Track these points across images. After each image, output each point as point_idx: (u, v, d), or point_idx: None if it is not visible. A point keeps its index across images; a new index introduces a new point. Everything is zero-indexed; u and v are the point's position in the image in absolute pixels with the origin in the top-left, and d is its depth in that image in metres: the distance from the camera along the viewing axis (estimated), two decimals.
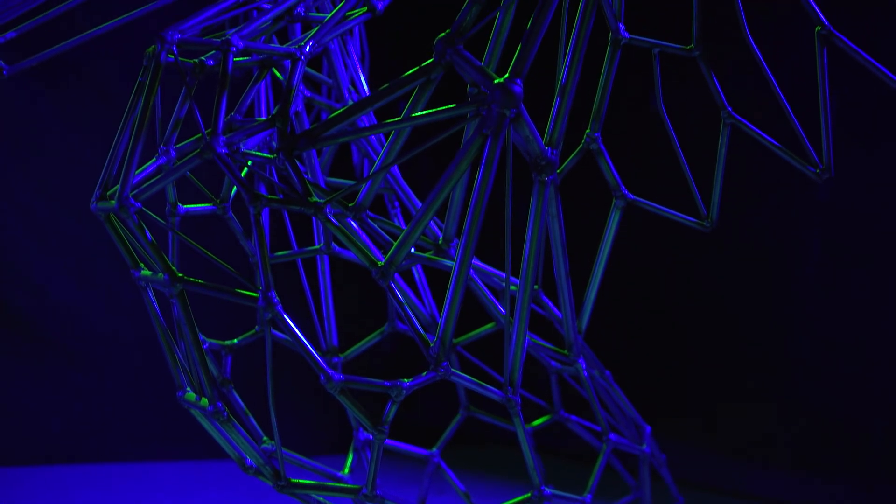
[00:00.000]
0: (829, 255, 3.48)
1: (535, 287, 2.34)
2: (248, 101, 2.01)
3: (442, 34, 1.75)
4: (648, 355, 3.91)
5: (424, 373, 1.82)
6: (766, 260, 3.59)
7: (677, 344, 3.87)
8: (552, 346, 2.40)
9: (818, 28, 1.96)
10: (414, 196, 2.37)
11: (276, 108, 2.00)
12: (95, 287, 3.98)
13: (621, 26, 2.06)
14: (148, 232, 1.79)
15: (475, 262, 2.28)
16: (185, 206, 2.18)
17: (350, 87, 2.50)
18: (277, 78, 2.34)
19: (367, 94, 2.51)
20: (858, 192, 3.40)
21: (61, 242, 3.91)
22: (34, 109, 3.85)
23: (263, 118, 1.99)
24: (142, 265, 1.90)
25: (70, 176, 3.89)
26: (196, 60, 1.91)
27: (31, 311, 3.87)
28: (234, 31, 1.90)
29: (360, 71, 2.52)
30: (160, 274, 1.81)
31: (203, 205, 2.24)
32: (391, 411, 1.83)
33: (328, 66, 2.50)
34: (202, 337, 2.21)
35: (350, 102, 2.43)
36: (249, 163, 1.99)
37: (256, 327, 2.46)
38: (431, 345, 1.81)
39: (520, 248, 1.88)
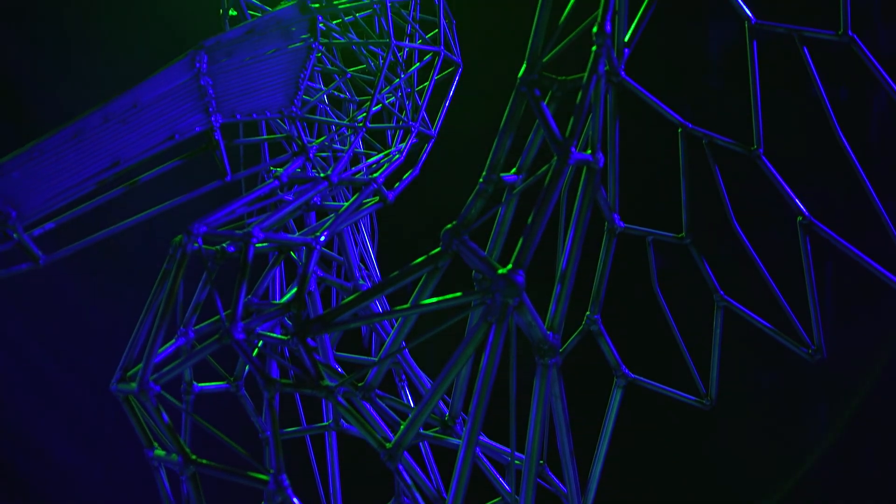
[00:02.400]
0: (835, 424, 3.49)
1: (541, 462, 2.37)
2: (265, 285, 2.12)
3: (449, 225, 1.86)
4: None
5: None
6: (770, 432, 3.60)
7: None
8: None
9: (800, 218, 2.09)
10: (420, 371, 2.43)
11: (291, 290, 2.11)
12: (97, 453, 3.97)
13: (616, 216, 2.20)
14: (165, 414, 1.85)
15: (481, 437, 2.32)
16: (199, 385, 2.24)
17: (360, 264, 2.62)
18: (291, 257, 2.46)
19: (376, 271, 2.63)
20: (857, 360, 3.46)
21: (67, 407, 3.94)
22: (53, 276, 3.98)
23: (278, 301, 2.09)
24: (155, 444, 1.95)
25: (82, 343, 3.96)
26: (217, 248, 2.03)
27: (31, 472, 3.85)
28: (255, 220, 2.03)
29: (370, 249, 2.65)
30: (174, 455, 1.85)
31: (217, 383, 2.31)
32: None
33: (339, 243, 2.63)
34: None
35: (360, 281, 2.54)
36: (260, 343, 2.07)
37: (263, 503, 2.47)
38: None
39: (525, 424, 1.92)
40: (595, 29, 1.82)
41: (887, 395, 3.53)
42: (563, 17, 1.93)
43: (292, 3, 2.32)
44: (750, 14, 2.19)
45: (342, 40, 2.48)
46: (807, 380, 3.54)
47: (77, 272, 3.97)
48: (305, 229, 2.25)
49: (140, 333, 1.93)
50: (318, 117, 2.38)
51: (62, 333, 3.97)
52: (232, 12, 2.58)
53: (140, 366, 1.87)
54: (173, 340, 1.99)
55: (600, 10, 1.84)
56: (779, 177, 2.15)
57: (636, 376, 2.25)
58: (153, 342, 1.85)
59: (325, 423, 2.48)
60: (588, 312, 2.25)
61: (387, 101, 2.44)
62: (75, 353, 3.95)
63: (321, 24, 2.31)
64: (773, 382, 3.63)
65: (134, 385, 1.85)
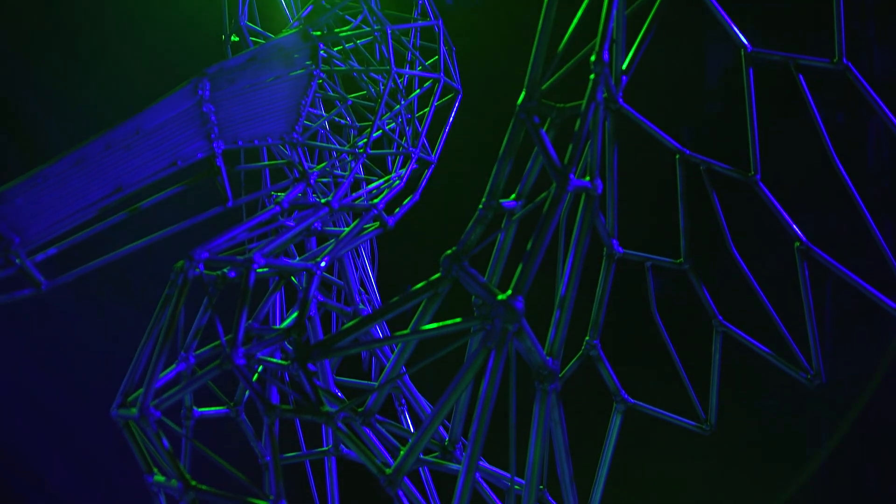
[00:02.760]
0: (837, 448, 3.48)
1: (541, 487, 2.36)
2: (266, 310, 2.12)
3: (448, 251, 1.88)
4: None
5: None
6: (770, 454, 3.59)
7: None
8: None
9: (797, 243, 2.10)
10: (420, 397, 2.43)
11: (292, 315, 2.12)
12: (96, 479, 3.95)
13: (614, 242, 2.21)
14: (165, 439, 1.85)
15: (481, 462, 2.31)
16: (199, 410, 2.24)
17: (360, 289, 2.62)
18: (292, 282, 2.47)
19: (377, 296, 2.63)
20: (856, 380, 3.46)
21: (66, 432, 3.93)
22: (54, 301, 3.98)
23: (278, 326, 2.09)
24: (155, 470, 1.95)
25: (82, 368, 3.95)
26: (219, 273, 2.04)
27: (29, 498, 3.83)
28: (256, 246, 2.05)
29: (370, 274, 2.66)
30: (174, 481, 1.85)
31: (217, 408, 2.31)
32: None
33: (339, 268, 2.64)
34: None
35: (360, 305, 2.55)
36: (261, 368, 2.08)
37: None
38: None
39: (524, 450, 1.92)
40: (593, 57, 1.84)
41: (884, 411, 3.52)
42: (561, 46, 1.96)
43: (294, 30, 2.35)
44: (746, 42, 2.22)
45: (343, 67, 2.51)
46: (805, 402, 3.53)
47: (79, 297, 3.97)
48: (306, 254, 2.27)
49: (141, 359, 1.94)
50: (319, 143, 2.40)
51: (62, 358, 3.96)
52: (234, 38, 2.61)
53: (140, 391, 1.87)
54: (174, 366, 1.99)
55: (598, 39, 1.87)
56: (776, 202, 2.17)
57: (636, 401, 2.25)
58: (154, 367, 1.86)
59: (325, 449, 2.48)
60: (587, 338, 2.26)
61: (387, 127, 2.46)
62: (76, 378, 3.94)
63: (322, 52, 2.34)
64: (773, 407, 3.62)
65: (134, 410, 1.85)
